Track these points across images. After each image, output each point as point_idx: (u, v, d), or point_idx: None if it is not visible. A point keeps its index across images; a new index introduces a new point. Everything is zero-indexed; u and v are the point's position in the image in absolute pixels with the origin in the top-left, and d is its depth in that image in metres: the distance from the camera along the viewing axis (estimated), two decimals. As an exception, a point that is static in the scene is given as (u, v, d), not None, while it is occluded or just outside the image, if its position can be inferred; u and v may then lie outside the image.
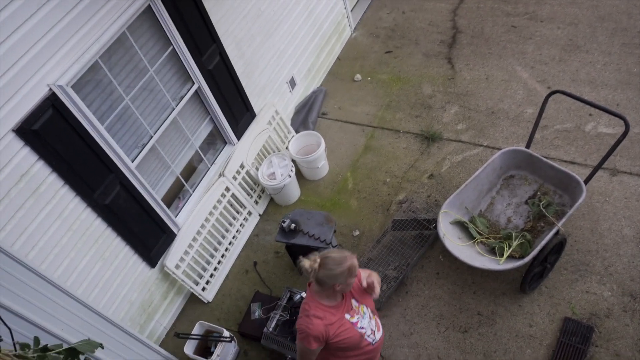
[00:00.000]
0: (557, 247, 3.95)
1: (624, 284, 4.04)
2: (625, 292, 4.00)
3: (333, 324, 2.73)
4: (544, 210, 4.05)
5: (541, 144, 5.09)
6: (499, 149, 4.88)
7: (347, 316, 2.80)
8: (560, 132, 5.15)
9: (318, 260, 2.63)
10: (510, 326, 4.05)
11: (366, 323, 2.89)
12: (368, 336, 2.89)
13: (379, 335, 3.00)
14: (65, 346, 2.02)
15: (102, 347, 2.13)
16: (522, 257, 3.82)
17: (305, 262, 2.65)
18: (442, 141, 5.46)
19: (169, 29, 4.08)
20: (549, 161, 4.15)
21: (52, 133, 3.33)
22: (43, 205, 3.39)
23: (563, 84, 5.56)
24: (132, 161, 4.01)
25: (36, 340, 2.08)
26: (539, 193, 4.24)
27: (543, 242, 3.73)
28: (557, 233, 3.84)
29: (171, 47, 4.19)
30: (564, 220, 3.84)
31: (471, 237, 4.12)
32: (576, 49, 5.90)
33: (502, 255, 3.91)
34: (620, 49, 5.73)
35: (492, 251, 4.02)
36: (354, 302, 2.86)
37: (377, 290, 2.89)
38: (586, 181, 3.94)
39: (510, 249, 3.91)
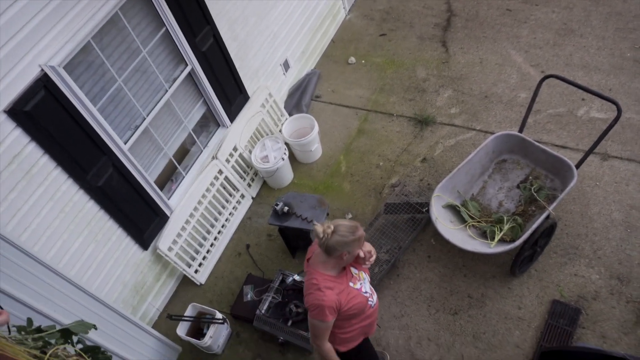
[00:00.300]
0: (548, 231, 4.00)
1: (612, 267, 4.11)
2: (613, 275, 4.06)
3: (342, 292, 2.77)
4: (535, 194, 4.08)
5: (534, 128, 5.11)
6: (492, 133, 4.90)
7: (351, 284, 2.85)
8: (553, 116, 5.18)
9: (332, 226, 2.65)
10: (499, 308, 4.11)
11: (367, 287, 2.96)
12: (369, 300, 2.96)
13: (375, 297, 3.07)
14: (58, 327, 2.04)
15: (96, 328, 2.16)
16: (512, 240, 3.86)
17: (318, 227, 2.65)
18: (436, 125, 5.46)
19: (162, 9, 4.04)
20: (541, 145, 4.18)
21: (44, 114, 3.30)
22: (35, 187, 3.39)
23: (557, 69, 5.57)
24: (125, 143, 4.00)
25: (29, 321, 2.10)
26: (530, 177, 4.28)
27: (534, 226, 3.76)
28: (547, 217, 3.88)
29: (164, 28, 4.15)
30: (554, 204, 3.87)
31: (463, 220, 4.16)
32: (570, 33, 5.90)
33: (493, 238, 3.95)
34: (614, 34, 5.73)
35: (483, 235, 4.06)
36: (353, 270, 2.91)
37: (372, 260, 2.95)
38: (577, 166, 3.97)
39: (502, 233, 3.95)
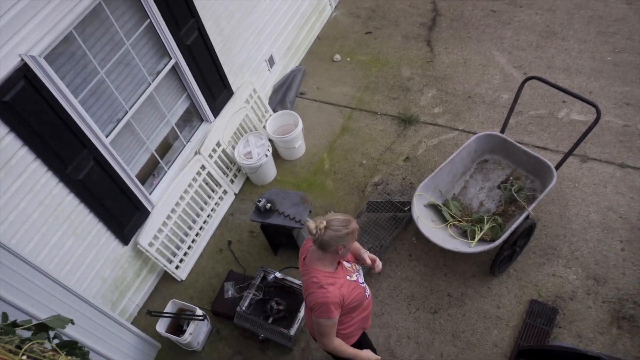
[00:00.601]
0: (527, 231, 4.05)
1: (589, 267, 4.18)
2: (590, 276, 4.13)
3: (343, 286, 2.76)
4: (515, 194, 4.13)
5: (515, 129, 5.17)
6: (475, 133, 4.94)
7: (348, 277, 2.85)
8: (534, 118, 5.24)
9: (324, 222, 2.63)
10: (478, 307, 4.16)
11: (362, 278, 2.98)
12: (365, 291, 3.00)
13: (368, 288, 3.09)
14: (34, 322, 2.00)
15: (73, 323, 2.12)
16: (492, 240, 3.90)
17: (311, 224, 2.63)
18: (419, 124, 5.49)
19: (146, 0, 3.99)
20: (522, 146, 4.23)
21: (24, 105, 3.24)
22: (14, 179, 3.32)
23: (539, 70, 5.64)
24: (107, 136, 3.94)
25: (4, 316, 2.06)
26: (511, 178, 4.32)
27: (513, 226, 3.81)
28: (527, 217, 3.93)
29: (148, 20, 4.10)
30: (534, 205, 3.92)
31: (444, 219, 4.19)
32: (553, 36, 5.97)
33: (473, 238, 3.99)
34: (595, 37, 5.82)
35: (464, 234, 4.10)
36: (345, 263, 2.92)
37: (379, 266, 3.09)
38: (557, 167, 4.03)
39: (482, 232, 3.99)
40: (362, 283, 2.95)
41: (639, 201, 4.44)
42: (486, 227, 4.02)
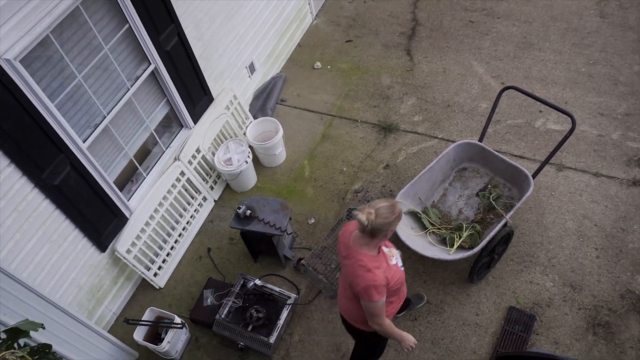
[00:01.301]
0: (505, 239, 4.10)
1: (565, 275, 4.24)
2: (566, 283, 4.19)
3: (387, 270, 2.87)
4: (493, 202, 4.18)
5: (493, 138, 5.24)
6: (453, 141, 5.00)
7: (388, 262, 2.94)
8: (511, 127, 5.32)
9: (372, 211, 2.72)
10: (457, 314, 4.19)
11: (400, 262, 3.05)
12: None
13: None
14: (3, 329, 1.96)
15: (44, 328, 2.08)
16: (471, 247, 3.94)
17: (361, 215, 2.72)
18: (399, 132, 5.53)
19: (125, 5, 3.95)
20: (500, 155, 4.28)
21: (-2, 109, 3.18)
22: (-14, 185, 3.25)
23: (516, 80, 5.73)
24: (84, 141, 3.88)
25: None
26: (489, 186, 4.37)
27: (492, 234, 3.85)
28: (505, 225, 3.97)
29: (127, 25, 4.06)
30: (512, 212, 3.97)
31: (424, 227, 4.21)
32: (530, 47, 6.09)
33: (452, 245, 4.02)
34: (570, 49, 5.95)
35: (443, 241, 4.13)
36: (384, 249, 2.99)
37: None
38: (534, 175, 4.09)
39: (460, 240, 4.02)
40: (402, 267, 3.03)
41: (613, 209, 4.53)
42: (465, 234, 4.05)
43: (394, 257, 3.01)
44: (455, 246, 3.99)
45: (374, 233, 2.76)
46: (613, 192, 4.64)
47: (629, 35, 5.94)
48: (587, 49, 5.91)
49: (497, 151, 4.37)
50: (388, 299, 2.92)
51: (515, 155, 5.06)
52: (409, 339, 3.05)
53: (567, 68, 5.76)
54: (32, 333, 2.11)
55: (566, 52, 5.93)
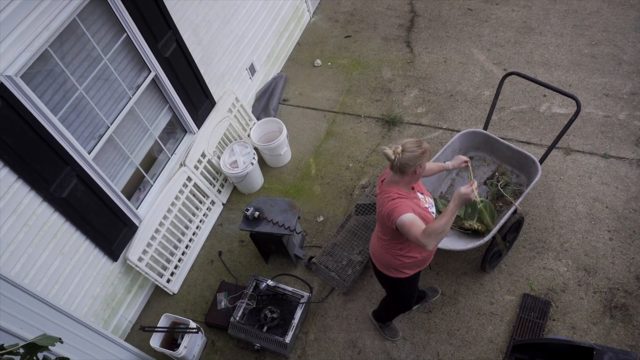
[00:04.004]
0: (515, 226, 4.07)
1: (579, 259, 4.21)
2: (580, 267, 4.16)
3: (416, 206, 2.92)
4: (502, 190, 4.15)
5: (498, 125, 5.20)
6: (458, 131, 4.97)
7: (421, 204, 3.01)
8: (516, 113, 5.28)
9: (399, 146, 2.80)
10: (472, 304, 4.17)
11: (434, 209, 3.11)
12: None
13: None
14: (21, 344, 1.97)
15: (61, 342, 2.09)
16: (487, 230, 3.88)
17: (388, 150, 2.81)
18: (403, 125, 5.51)
19: (121, 15, 3.96)
20: (506, 142, 4.25)
21: (2, 126, 3.20)
22: (-4, 202, 3.28)
23: (518, 66, 5.69)
24: (89, 153, 3.90)
25: (-11, 342, 2.03)
26: (497, 173, 4.35)
27: (502, 221, 3.83)
28: (515, 212, 3.94)
29: (125, 34, 4.08)
30: (521, 199, 3.94)
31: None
32: (530, 31, 6.04)
33: (471, 230, 3.99)
34: (571, 31, 5.89)
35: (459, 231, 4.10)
36: (419, 194, 3.05)
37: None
38: (541, 160, 4.06)
39: (474, 221, 3.97)
40: (432, 213, 3.04)
41: (624, 190, 4.49)
42: (486, 214, 3.98)
43: (427, 204, 3.05)
44: (473, 225, 3.95)
45: (402, 169, 2.82)
46: (623, 173, 4.60)
47: (630, 14, 5.87)
48: (589, 29, 5.85)
49: (502, 138, 4.35)
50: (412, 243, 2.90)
51: (521, 142, 5.02)
52: (463, 190, 2.71)
53: (570, 50, 5.70)
54: (50, 346, 2.12)
55: (567, 34, 5.88)
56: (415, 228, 2.75)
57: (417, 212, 2.88)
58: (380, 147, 2.86)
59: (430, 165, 3.41)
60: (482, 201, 3.96)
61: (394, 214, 2.83)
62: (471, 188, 2.70)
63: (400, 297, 3.61)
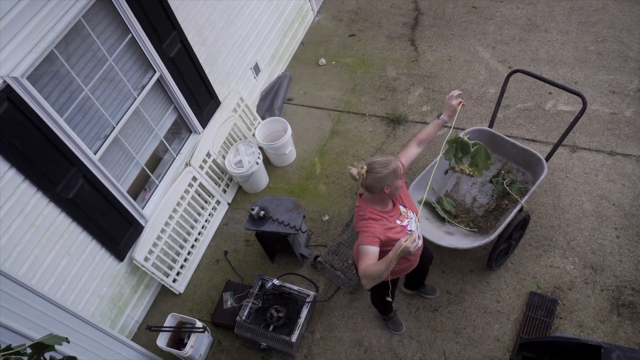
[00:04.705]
0: (522, 224, 4.06)
1: (586, 257, 4.19)
2: (587, 265, 4.14)
3: (391, 229, 2.86)
4: (507, 188, 4.14)
5: (504, 123, 5.18)
6: (463, 129, 4.96)
7: (398, 221, 2.93)
8: (521, 110, 5.26)
9: (365, 166, 2.73)
10: (478, 303, 4.16)
11: (414, 226, 3.00)
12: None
13: (420, 242, 3.08)
14: (28, 344, 1.98)
15: (68, 342, 2.10)
16: (479, 173, 3.63)
17: (353, 170, 2.75)
18: (408, 123, 5.50)
19: (126, 16, 3.97)
20: (511, 140, 4.23)
21: (9, 127, 3.21)
22: (3, 202, 3.29)
23: (523, 64, 5.67)
24: (95, 153, 3.92)
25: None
26: (502, 171, 4.33)
27: (508, 219, 3.81)
28: (520, 210, 3.93)
29: (130, 35, 4.09)
30: (527, 197, 3.93)
31: (438, 216, 4.19)
32: (535, 28, 6.01)
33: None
34: (577, 28, 5.86)
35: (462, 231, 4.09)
36: (402, 208, 2.99)
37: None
38: (547, 158, 4.04)
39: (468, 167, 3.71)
40: (410, 230, 2.95)
41: (631, 188, 4.47)
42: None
43: (407, 220, 2.98)
44: (465, 169, 3.65)
45: (369, 189, 2.78)
46: (630, 170, 4.57)
47: (636, 10, 5.83)
48: (595, 26, 5.82)
49: (508, 136, 4.33)
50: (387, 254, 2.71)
51: (526, 139, 5.00)
52: (397, 247, 2.50)
53: (575, 47, 5.68)
54: (57, 346, 2.13)
55: (573, 31, 5.85)
56: (363, 261, 2.72)
57: (385, 236, 2.80)
58: (348, 167, 2.82)
59: (425, 131, 3.19)
60: (475, 143, 3.58)
61: (359, 238, 2.83)
62: (415, 243, 2.46)
63: (377, 299, 3.70)
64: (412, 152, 3.16)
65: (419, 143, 3.18)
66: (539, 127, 5.07)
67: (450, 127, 3.13)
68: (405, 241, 2.45)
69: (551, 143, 4.85)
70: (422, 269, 3.85)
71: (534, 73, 4.01)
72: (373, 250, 2.74)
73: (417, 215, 3.10)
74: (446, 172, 3.80)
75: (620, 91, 5.14)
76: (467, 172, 3.65)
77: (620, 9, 5.90)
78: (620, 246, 4.18)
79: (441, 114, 3.22)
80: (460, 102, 3.14)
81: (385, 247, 2.82)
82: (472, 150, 3.54)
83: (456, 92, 3.15)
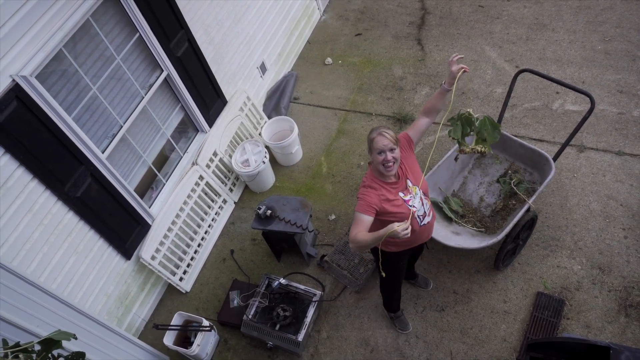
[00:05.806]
0: (529, 224, 4.04)
1: (593, 257, 4.17)
2: (594, 265, 4.13)
3: (390, 201, 2.94)
4: (515, 188, 4.13)
5: (511, 122, 5.17)
6: (470, 129, 4.93)
7: (401, 194, 3.00)
8: (529, 110, 5.24)
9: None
10: (485, 303, 4.15)
11: (417, 203, 3.05)
12: (418, 216, 3.06)
13: (427, 219, 3.15)
14: (37, 340, 1.99)
15: (76, 338, 2.10)
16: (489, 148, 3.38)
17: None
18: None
19: (134, 15, 3.98)
20: (518, 139, 4.22)
21: (18, 126, 3.23)
22: (12, 200, 3.30)
23: (530, 63, 5.65)
24: (103, 152, 3.93)
25: (4, 342, 2.05)
26: (509, 171, 4.32)
27: (515, 219, 3.80)
28: (528, 210, 3.92)
29: (138, 34, 4.10)
30: (534, 197, 3.92)
31: (445, 216, 4.18)
32: (542, 28, 5.99)
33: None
34: (584, 27, 5.84)
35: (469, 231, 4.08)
36: (408, 182, 3.05)
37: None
38: (555, 158, 4.03)
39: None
40: (412, 206, 2.99)
41: (639, 188, 4.45)
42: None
43: (411, 195, 3.02)
44: (475, 148, 3.34)
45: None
46: (637, 170, 4.55)
47: (644, 9, 5.81)
48: (602, 25, 5.79)
49: (515, 136, 4.32)
50: (385, 223, 2.71)
51: (534, 139, 4.99)
52: (390, 228, 2.56)
53: (583, 47, 5.65)
54: (64, 343, 2.14)
55: (580, 30, 5.82)
56: (354, 227, 2.86)
57: (381, 207, 2.91)
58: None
59: (429, 100, 3.20)
60: (477, 117, 3.25)
61: (357, 204, 2.94)
62: (405, 232, 2.52)
63: (385, 283, 3.75)
64: (420, 123, 3.20)
65: (426, 113, 3.20)
66: (547, 127, 5.05)
67: (450, 101, 3.03)
68: (398, 226, 2.52)
69: (559, 143, 4.83)
70: (413, 253, 3.87)
71: (542, 72, 4.00)
72: (366, 218, 2.87)
73: (426, 195, 3.15)
74: (456, 159, 3.74)
75: (628, 91, 5.11)
76: (478, 149, 3.30)
77: (628, 8, 5.87)
78: (627, 247, 4.16)
79: (445, 81, 3.13)
80: (461, 68, 2.99)
81: (381, 216, 2.94)
82: (476, 124, 3.27)
83: (456, 57, 3.03)
